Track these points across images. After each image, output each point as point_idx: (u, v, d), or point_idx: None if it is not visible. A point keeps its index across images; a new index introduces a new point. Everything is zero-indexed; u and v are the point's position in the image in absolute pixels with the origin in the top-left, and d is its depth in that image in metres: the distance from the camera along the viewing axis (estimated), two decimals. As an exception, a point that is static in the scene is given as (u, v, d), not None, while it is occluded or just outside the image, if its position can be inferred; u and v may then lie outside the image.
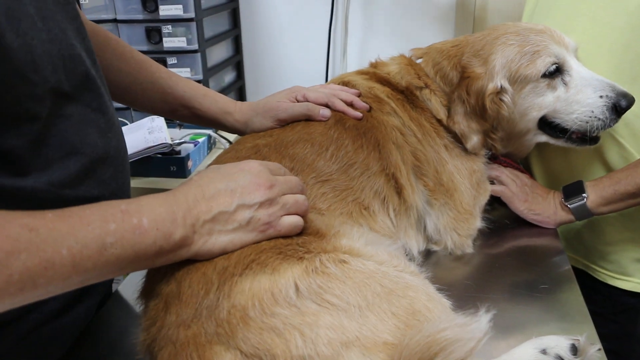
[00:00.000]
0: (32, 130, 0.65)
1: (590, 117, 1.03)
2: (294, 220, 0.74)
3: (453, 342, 0.59)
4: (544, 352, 0.70)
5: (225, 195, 0.69)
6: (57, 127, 0.69)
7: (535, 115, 1.08)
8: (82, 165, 0.72)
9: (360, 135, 0.98)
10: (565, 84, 1.05)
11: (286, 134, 0.97)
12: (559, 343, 0.71)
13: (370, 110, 1.04)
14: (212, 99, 1.11)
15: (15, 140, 0.63)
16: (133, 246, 0.61)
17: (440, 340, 0.59)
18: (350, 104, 1.04)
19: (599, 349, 0.72)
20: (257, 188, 0.71)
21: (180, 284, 0.69)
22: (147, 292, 0.77)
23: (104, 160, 0.76)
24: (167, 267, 0.72)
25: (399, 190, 0.99)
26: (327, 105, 1.03)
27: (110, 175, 0.77)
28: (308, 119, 1.02)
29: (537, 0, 1.30)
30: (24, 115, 0.64)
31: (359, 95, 1.07)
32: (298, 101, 1.05)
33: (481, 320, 0.62)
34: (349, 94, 1.06)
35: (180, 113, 1.12)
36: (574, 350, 0.70)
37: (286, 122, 1.04)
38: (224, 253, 0.69)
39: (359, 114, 1.02)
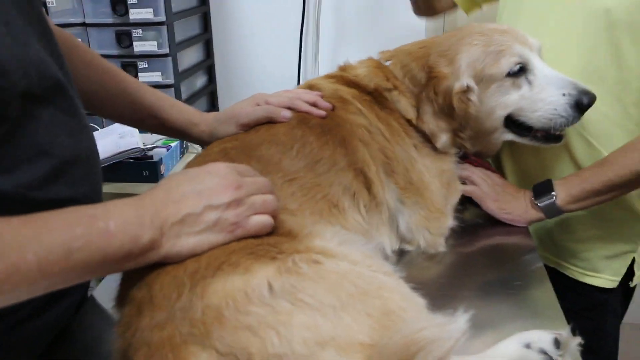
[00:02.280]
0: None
1: (554, 114, 1.05)
2: (263, 220, 0.73)
3: (431, 342, 0.59)
4: (527, 346, 0.72)
5: (193, 197, 0.69)
6: (26, 128, 0.67)
7: (501, 113, 1.10)
8: (52, 166, 0.70)
9: (324, 132, 0.99)
10: (529, 82, 1.07)
11: (251, 137, 0.98)
12: (542, 337, 0.72)
13: (334, 109, 1.05)
14: (179, 110, 1.11)
15: None
16: (100, 250, 0.61)
17: (418, 340, 0.59)
18: (314, 105, 1.05)
19: (580, 342, 0.73)
20: (224, 189, 0.71)
21: (151, 288, 0.68)
22: (121, 299, 0.76)
23: (74, 162, 0.75)
24: (139, 273, 0.71)
25: (368, 186, 0.99)
26: (289, 108, 1.03)
27: (81, 177, 0.76)
28: (270, 121, 1.02)
29: (507, 5, 1.32)
30: None
31: (322, 97, 1.08)
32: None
33: (459, 320, 0.62)
34: (311, 95, 1.06)
35: (147, 123, 1.11)
36: (557, 344, 0.72)
37: (249, 127, 1.04)
38: (193, 255, 0.69)
39: (322, 112, 1.02)
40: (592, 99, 1.03)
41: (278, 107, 1.03)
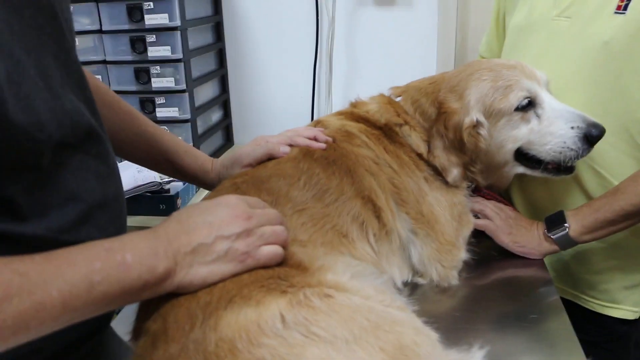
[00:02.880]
0: (31, 177, 0.65)
1: (563, 147, 1.05)
2: (273, 250, 0.75)
3: None
4: None
5: (204, 228, 0.71)
6: (57, 174, 0.69)
7: (511, 147, 1.10)
8: (81, 211, 0.71)
9: (330, 163, 1.00)
10: (538, 116, 1.08)
11: (260, 172, 1.00)
12: None
13: (338, 142, 1.06)
14: (193, 157, 1.15)
15: (13, 187, 0.63)
16: (119, 282, 0.63)
17: None
18: (314, 139, 1.07)
19: None
20: (234, 220, 0.72)
21: (165, 320, 0.69)
22: (137, 331, 0.77)
23: (102, 206, 0.76)
24: (154, 305, 0.73)
25: (377, 214, 1.00)
26: (290, 145, 1.06)
27: (108, 220, 0.77)
28: (270, 157, 1.05)
29: (507, 42, 1.35)
30: (24, 166, 0.64)
31: (324, 132, 1.10)
32: None
33: (475, 356, 0.62)
34: (311, 131, 1.09)
35: (162, 167, 1.14)
36: None
37: (252, 166, 1.06)
38: (205, 284, 0.70)
39: (322, 145, 1.04)
40: (601, 131, 1.04)
41: (277, 144, 1.06)
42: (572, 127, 1.05)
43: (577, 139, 1.04)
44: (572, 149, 1.05)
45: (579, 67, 1.13)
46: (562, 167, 1.10)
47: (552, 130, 1.06)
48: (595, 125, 1.04)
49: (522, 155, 1.12)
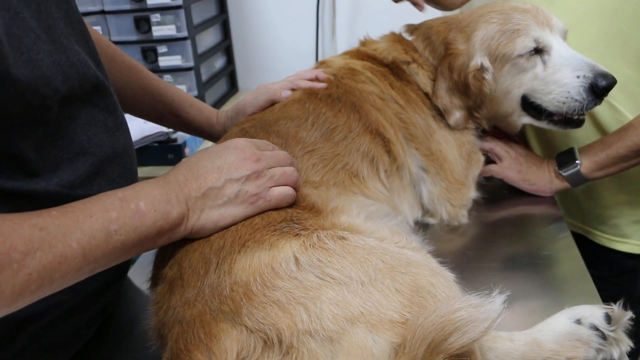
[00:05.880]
0: (40, 132, 0.65)
1: (567, 97, 1.01)
2: (284, 191, 0.75)
3: (467, 323, 0.58)
4: (578, 322, 0.71)
5: (213, 172, 0.72)
6: (66, 128, 0.69)
7: (516, 93, 1.07)
8: (91, 165, 0.72)
9: (334, 101, 0.99)
10: (544, 63, 1.03)
11: (267, 116, 0.99)
12: (593, 312, 0.71)
13: (341, 79, 1.05)
14: (199, 110, 1.15)
15: (22, 143, 0.63)
16: (135, 230, 0.64)
17: (454, 321, 0.58)
18: (315, 80, 1.07)
19: (632, 317, 0.71)
20: (243, 163, 0.73)
21: (181, 266, 0.70)
22: (155, 279, 0.78)
23: (112, 160, 0.76)
24: (169, 252, 0.74)
25: (387, 149, 0.99)
26: (292, 89, 1.06)
27: (119, 174, 0.78)
28: (273, 103, 1.04)
29: None
30: (32, 121, 0.64)
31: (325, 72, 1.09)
32: None
33: (495, 301, 0.61)
34: (312, 72, 1.08)
35: (167, 120, 1.14)
36: (608, 319, 0.70)
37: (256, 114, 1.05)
38: (217, 228, 0.71)
39: (323, 84, 1.04)
40: (610, 82, 0.98)
41: (279, 89, 1.05)
42: (578, 77, 0.99)
43: (582, 89, 0.99)
44: (576, 100, 1.00)
45: None
46: (570, 119, 1.05)
47: (557, 79, 1.01)
48: (604, 75, 0.98)
49: (528, 104, 1.08)
